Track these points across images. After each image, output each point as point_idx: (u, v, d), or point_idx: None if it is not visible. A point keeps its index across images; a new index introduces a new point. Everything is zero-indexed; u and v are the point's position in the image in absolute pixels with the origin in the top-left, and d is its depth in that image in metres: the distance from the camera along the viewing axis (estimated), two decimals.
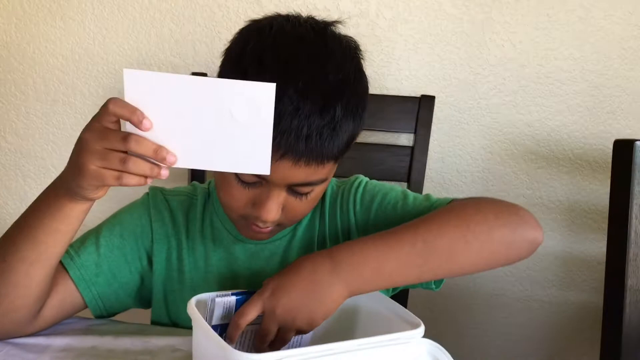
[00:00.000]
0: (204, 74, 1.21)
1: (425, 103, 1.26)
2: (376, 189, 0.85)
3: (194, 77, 0.58)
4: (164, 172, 0.60)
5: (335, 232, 0.85)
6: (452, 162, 1.37)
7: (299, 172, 0.68)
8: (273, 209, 0.70)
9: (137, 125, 0.58)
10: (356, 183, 0.86)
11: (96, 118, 0.60)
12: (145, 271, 0.84)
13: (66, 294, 0.77)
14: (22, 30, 1.35)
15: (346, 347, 0.59)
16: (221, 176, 0.73)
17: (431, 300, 1.45)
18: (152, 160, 0.59)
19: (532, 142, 1.35)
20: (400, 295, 1.12)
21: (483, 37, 1.30)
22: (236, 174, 0.70)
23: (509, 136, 1.35)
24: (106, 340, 0.74)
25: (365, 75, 0.75)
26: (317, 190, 0.74)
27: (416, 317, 0.66)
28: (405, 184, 1.27)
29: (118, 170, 0.59)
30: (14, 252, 0.69)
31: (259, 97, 0.58)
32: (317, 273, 0.66)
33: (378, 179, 1.28)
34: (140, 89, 0.58)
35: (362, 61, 0.74)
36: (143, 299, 0.85)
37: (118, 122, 0.60)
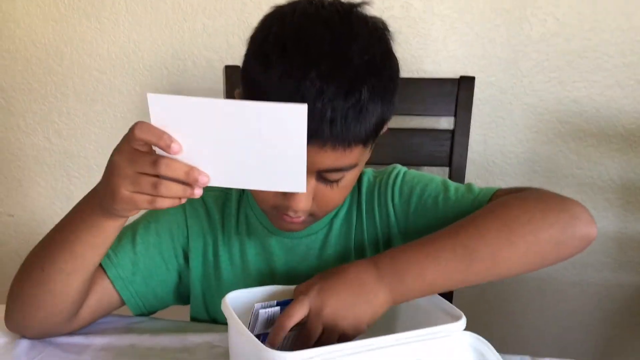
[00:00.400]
0: (238, 67, 1.20)
1: (465, 84, 1.21)
2: (415, 180, 0.82)
3: (219, 100, 0.55)
4: (197, 192, 0.59)
5: (373, 226, 0.82)
6: (495, 144, 1.33)
7: (326, 157, 0.66)
8: (303, 198, 0.68)
9: (165, 150, 0.56)
10: (394, 174, 0.83)
11: (125, 140, 0.59)
12: (182, 268, 0.83)
13: (104, 294, 0.77)
14: (59, 32, 1.37)
15: (383, 342, 0.57)
16: None
17: (479, 288, 1.40)
18: (184, 181, 0.58)
19: (580, 119, 1.29)
20: None
21: (524, 12, 1.24)
22: None
23: (555, 114, 1.29)
24: (144, 339, 0.75)
25: (395, 57, 0.72)
26: (349, 178, 0.72)
27: (457, 309, 0.64)
28: (446, 169, 1.23)
29: (151, 195, 0.58)
30: (52, 263, 0.70)
31: (291, 118, 0.55)
32: (362, 278, 0.65)
33: (418, 165, 1.27)
34: (166, 113, 0.56)
35: (391, 42, 0.72)
36: (181, 296, 0.85)
37: (148, 144, 0.58)
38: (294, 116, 0.54)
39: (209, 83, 1.35)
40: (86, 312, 0.76)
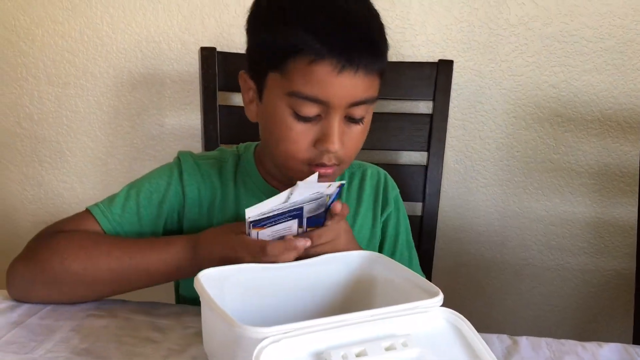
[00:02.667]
0: (214, 49, 1.18)
1: (443, 68, 1.20)
2: (401, 215, 0.96)
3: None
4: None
5: (372, 218, 0.94)
6: (474, 129, 1.32)
7: (359, 85, 0.72)
8: (337, 137, 0.73)
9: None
10: (396, 190, 0.97)
11: None
12: (173, 228, 0.87)
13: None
14: (29, 13, 1.33)
15: (359, 317, 0.56)
16: (279, 127, 0.75)
17: (457, 271, 1.41)
18: None
19: (558, 104, 1.29)
20: (424, 266, 1.09)
21: None
22: (295, 112, 0.73)
23: (534, 99, 1.29)
24: (117, 320, 0.73)
25: None
26: (366, 120, 0.78)
27: (434, 286, 0.63)
28: (425, 154, 1.22)
29: None
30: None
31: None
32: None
33: (397, 150, 1.26)
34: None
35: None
36: None
37: None
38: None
39: (184, 65, 1.33)
40: None
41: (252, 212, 0.67)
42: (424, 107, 1.28)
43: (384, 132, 1.22)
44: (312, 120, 0.73)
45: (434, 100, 1.21)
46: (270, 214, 0.68)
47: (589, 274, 1.39)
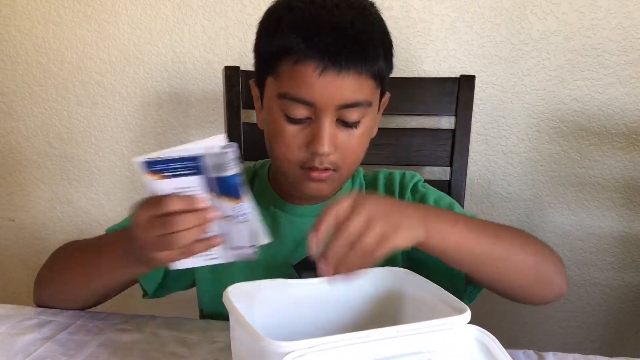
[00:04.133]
0: (237, 68, 1.20)
1: (465, 83, 1.21)
2: (429, 194, 0.89)
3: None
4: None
5: None
6: (497, 144, 1.32)
7: (344, 87, 0.72)
8: (326, 139, 0.73)
9: None
10: (414, 181, 0.91)
11: None
12: None
13: None
14: (59, 36, 1.37)
15: (384, 333, 0.56)
16: (273, 129, 0.77)
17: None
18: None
19: (582, 118, 1.28)
20: None
21: (524, 11, 1.24)
22: (286, 115, 0.74)
23: (557, 113, 1.29)
24: (144, 335, 0.74)
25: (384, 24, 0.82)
26: (365, 124, 0.77)
27: (462, 303, 0.63)
28: (448, 169, 1.22)
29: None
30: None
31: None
32: (403, 205, 0.71)
33: (419, 165, 1.26)
34: None
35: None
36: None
37: None
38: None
39: (209, 84, 1.35)
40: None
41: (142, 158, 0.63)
42: (446, 122, 1.28)
43: (407, 147, 1.23)
44: (303, 122, 0.75)
45: (456, 115, 1.21)
46: (164, 158, 0.63)
47: (617, 290, 1.37)
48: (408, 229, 0.63)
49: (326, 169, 0.76)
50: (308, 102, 0.73)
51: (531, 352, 0.75)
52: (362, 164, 0.89)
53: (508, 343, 0.62)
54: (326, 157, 0.75)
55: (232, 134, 1.22)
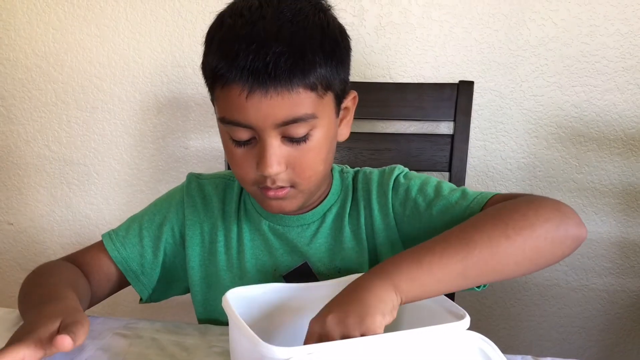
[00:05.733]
0: None
1: (464, 89, 1.21)
2: (412, 183, 0.83)
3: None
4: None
5: (371, 224, 0.83)
6: (495, 149, 1.33)
7: (276, 107, 0.68)
8: (272, 160, 0.70)
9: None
10: (395, 174, 0.84)
11: None
12: (179, 253, 0.88)
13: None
14: (59, 40, 1.38)
15: (384, 340, 0.56)
16: (226, 151, 0.76)
17: (482, 293, 1.40)
18: None
19: (579, 124, 1.29)
20: None
21: (522, 17, 1.24)
22: (230, 137, 0.72)
23: (555, 119, 1.29)
24: (142, 339, 0.74)
25: (338, 23, 0.76)
26: (316, 137, 0.72)
27: (461, 309, 0.63)
28: (446, 174, 1.23)
29: None
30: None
31: None
32: (358, 284, 0.64)
33: (418, 170, 1.26)
34: None
35: (332, 16, 0.76)
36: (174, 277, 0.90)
37: None
38: None
39: None
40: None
41: None
42: (445, 127, 1.29)
43: (405, 152, 1.23)
44: (249, 143, 0.72)
45: (454, 121, 1.22)
46: None
47: (615, 295, 1.37)
48: (372, 299, 0.61)
49: (282, 187, 0.73)
50: (244, 124, 0.70)
51: (529, 357, 0.75)
52: (363, 166, 0.89)
53: (506, 348, 0.62)
54: (278, 176, 0.72)
55: None
